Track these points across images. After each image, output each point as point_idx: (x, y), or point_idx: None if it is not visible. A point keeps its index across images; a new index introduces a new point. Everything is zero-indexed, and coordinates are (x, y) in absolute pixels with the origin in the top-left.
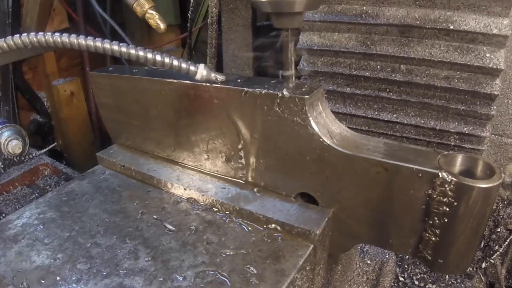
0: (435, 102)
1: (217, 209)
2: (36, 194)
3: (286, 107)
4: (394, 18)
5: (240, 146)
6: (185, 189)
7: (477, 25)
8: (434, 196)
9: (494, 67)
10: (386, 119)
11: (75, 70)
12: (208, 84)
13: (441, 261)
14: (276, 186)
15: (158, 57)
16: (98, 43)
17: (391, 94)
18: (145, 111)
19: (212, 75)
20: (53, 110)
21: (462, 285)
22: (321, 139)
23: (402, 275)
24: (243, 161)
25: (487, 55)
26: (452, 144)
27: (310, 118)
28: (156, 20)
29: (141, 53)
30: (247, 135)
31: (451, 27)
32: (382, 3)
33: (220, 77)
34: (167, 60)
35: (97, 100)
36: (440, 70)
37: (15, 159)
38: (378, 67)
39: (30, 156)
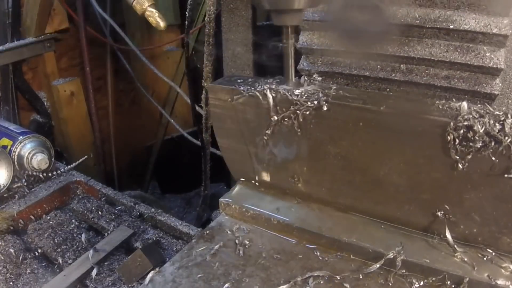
0: None
1: None
2: (76, 223)
3: None
4: (394, 17)
5: None
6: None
7: (477, 24)
8: None
9: (494, 66)
10: None
11: (75, 70)
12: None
13: None
14: None
15: None
16: None
17: (391, 94)
18: (314, 146)
19: None
20: (53, 110)
21: None
22: None
23: None
24: None
25: (487, 54)
26: None
27: None
28: (156, 18)
29: None
30: None
31: (451, 26)
32: (382, 3)
33: None
34: None
35: (218, 125)
36: (440, 70)
37: (40, 176)
38: (378, 66)
39: (58, 171)
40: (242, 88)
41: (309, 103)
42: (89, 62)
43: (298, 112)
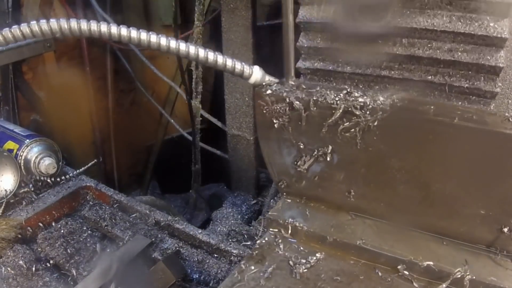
0: (437, 80)
1: None
2: (89, 231)
3: None
4: None
5: None
6: None
7: None
8: None
9: (498, 36)
10: None
11: (75, 70)
12: None
13: None
14: None
15: (211, 56)
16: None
17: (393, 72)
18: (375, 159)
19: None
20: (52, 110)
21: None
22: None
23: None
24: None
25: (491, 24)
26: None
27: None
28: None
29: (192, 50)
30: None
31: None
32: None
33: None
34: (220, 59)
35: (264, 134)
36: (443, 43)
37: (48, 181)
38: (380, 41)
39: (67, 176)
40: (301, 95)
41: (375, 114)
42: (89, 62)
43: (363, 123)
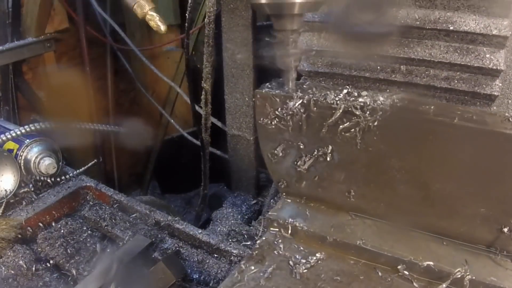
0: None
1: None
2: (89, 231)
3: None
4: (394, 18)
5: None
6: None
7: (477, 26)
8: None
9: (494, 67)
10: None
11: (75, 70)
12: None
13: None
14: None
15: None
16: None
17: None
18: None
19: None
20: (53, 110)
21: None
22: None
23: None
24: None
25: (487, 55)
26: None
27: None
28: (156, 21)
29: None
30: None
31: (451, 27)
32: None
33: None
34: None
35: (265, 134)
36: (440, 71)
37: (48, 181)
38: (378, 67)
39: (67, 176)
40: (301, 95)
41: (375, 114)
42: (89, 62)
43: (363, 123)
